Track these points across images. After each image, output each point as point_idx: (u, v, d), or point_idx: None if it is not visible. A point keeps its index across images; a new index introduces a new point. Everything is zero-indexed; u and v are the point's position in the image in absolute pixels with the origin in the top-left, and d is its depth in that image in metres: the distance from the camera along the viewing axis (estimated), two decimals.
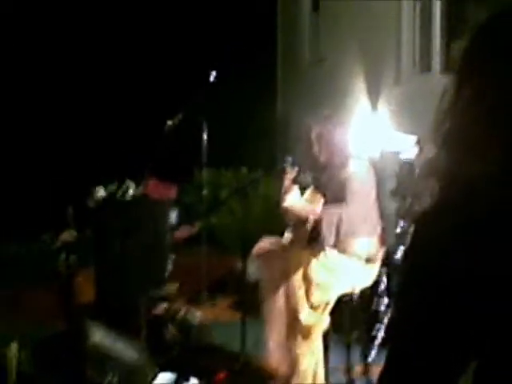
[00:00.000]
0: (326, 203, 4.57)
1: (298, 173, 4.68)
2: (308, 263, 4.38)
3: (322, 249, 4.38)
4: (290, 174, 4.63)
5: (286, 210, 4.65)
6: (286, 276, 4.42)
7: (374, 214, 4.52)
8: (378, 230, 4.59)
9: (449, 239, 1.11)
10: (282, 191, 4.62)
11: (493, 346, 1.09)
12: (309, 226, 4.56)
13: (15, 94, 8.93)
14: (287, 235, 4.73)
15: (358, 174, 4.43)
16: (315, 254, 4.39)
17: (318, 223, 4.47)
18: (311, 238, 4.51)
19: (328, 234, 4.38)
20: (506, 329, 1.08)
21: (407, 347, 1.15)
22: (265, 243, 4.64)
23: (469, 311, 1.09)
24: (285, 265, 4.44)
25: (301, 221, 4.61)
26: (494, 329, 1.08)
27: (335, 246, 4.38)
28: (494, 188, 1.10)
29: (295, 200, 4.61)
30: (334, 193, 4.50)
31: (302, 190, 4.76)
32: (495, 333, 1.08)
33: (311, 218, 4.54)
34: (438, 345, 1.12)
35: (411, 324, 1.15)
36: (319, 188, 4.67)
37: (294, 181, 4.65)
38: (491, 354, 1.10)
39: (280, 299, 4.43)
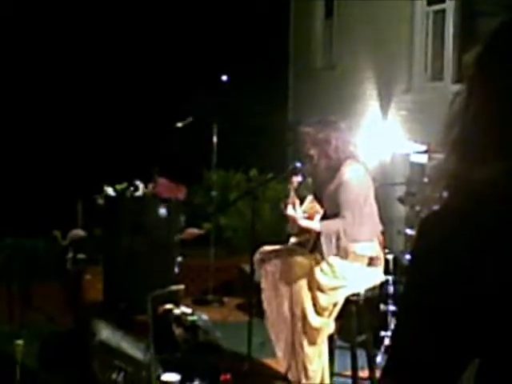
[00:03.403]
0: (324, 213, 4.59)
1: (302, 181, 4.65)
2: (311, 270, 4.41)
3: (324, 258, 4.39)
4: (294, 182, 4.60)
5: (288, 218, 4.62)
6: (288, 284, 4.44)
7: (372, 217, 4.48)
8: (379, 230, 4.57)
9: (452, 244, 1.13)
10: (286, 200, 4.57)
11: (494, 345, 1.11)
12: (312, 234, 4.56)
13: (25, 92, 8.97)
14: (292, 241, 4.74)
15: (353, 180, 4.37)
16: (318, 262, 4.41)
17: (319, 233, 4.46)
18: (314, 247, 4.52)
19: (327, 247, 4.39)
20: (506, 328, 1.09)
21: (406, 350, 1.17)
22: (265, 252, 4.65)
23: (471, 314, 1.10)
24: (286, 273, 4.46)
25: (303, 230, 4.62)
26: (497, 330, 1.10)
27: (337, 253, 4.38)
28: (501, 195, 1.10)
29: (296, 211, 4.56)
30: (329, 199, 4.50)
31: (303, 198, 4.75)
32: (497, 333, 1.10)
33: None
34: (437, 350, 1.13)
35: (411, 328, 1.17)
36: (317, 197, 4.68)
37: (297, 191, 4.63)
38: (492, 353, 1.12)
39: (284, 306, 4.44)
